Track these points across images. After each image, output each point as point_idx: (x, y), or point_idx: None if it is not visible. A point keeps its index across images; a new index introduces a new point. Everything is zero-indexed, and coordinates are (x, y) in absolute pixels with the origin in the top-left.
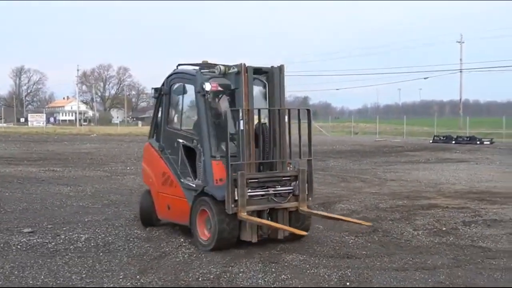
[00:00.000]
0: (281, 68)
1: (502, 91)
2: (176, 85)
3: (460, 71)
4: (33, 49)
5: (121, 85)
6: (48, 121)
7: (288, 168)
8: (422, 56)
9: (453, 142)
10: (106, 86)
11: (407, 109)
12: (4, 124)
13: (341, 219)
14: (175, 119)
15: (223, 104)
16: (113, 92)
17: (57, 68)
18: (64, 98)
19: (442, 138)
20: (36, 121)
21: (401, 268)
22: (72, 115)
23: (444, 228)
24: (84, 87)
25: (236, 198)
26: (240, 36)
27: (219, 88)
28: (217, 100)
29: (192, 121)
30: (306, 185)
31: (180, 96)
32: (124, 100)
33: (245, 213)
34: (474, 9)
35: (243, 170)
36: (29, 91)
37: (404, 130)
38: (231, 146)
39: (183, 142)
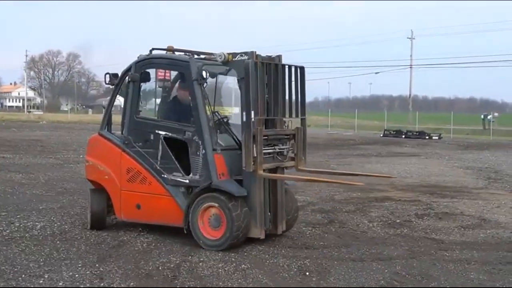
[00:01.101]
0: (279, 58)
1: (449, 87)
2: (150, 71)
3: (410, 67)
4: None
5: (71, 72)
6: None
7: (284, 127)
8: (373, 51)
9: (403, 136)
10: (55, 72)
11: (357, 103)
12: None
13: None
14: (150, 109)
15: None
16: (62, 79)
17: (4, 53)
18: (11, 84)
19: (392, 132)
20: None
21: (358, 258)
22: (19, 101)
23: (398, 220)
24: (32, 73)
25: (255, 155)
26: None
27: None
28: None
29: (176, 111)
30: (302, 144)
31: (157, 84)
32: (73, 87)
33: (262, 171)
34: (424, 6)
35: (259, 126)
36: None
37: (356, 123)
38: (226, 138)
39: (166, 134)
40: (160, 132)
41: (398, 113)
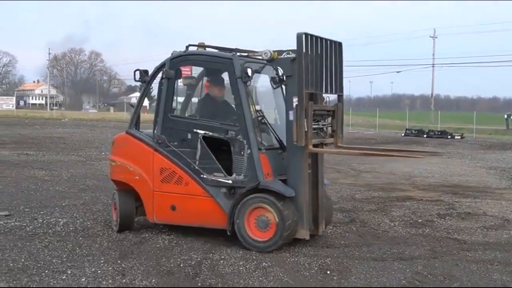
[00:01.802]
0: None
1: (471, 86)
2: (187, 68)
3: (433, 66)
4: (3, 31)
5: (93, 70)
6: (17, 104)
7: (323, 103)
8: (396, 50)
9: (425, 136)
10: (78, 70)
11: (379, 102)
12: None
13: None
14: (188, 107)
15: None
16: (84, 76)
17: (28, 51)
18: (34, 82)
19: (414, 131)
20: (6, 104)
21: (379, 258)
22: (42, 99)
23: (420, 220)
24: (55, 71)
25: (306, 129)
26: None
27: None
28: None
29: (212, 109)
30: (341, 121)
31: (195, 82)
32: (95, 85)
33: (312, 146)
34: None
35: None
36: None
37: (377, 122)
38: (267, 137)
39: (205, 133)
40: (199, 131)
41: (420, 112)
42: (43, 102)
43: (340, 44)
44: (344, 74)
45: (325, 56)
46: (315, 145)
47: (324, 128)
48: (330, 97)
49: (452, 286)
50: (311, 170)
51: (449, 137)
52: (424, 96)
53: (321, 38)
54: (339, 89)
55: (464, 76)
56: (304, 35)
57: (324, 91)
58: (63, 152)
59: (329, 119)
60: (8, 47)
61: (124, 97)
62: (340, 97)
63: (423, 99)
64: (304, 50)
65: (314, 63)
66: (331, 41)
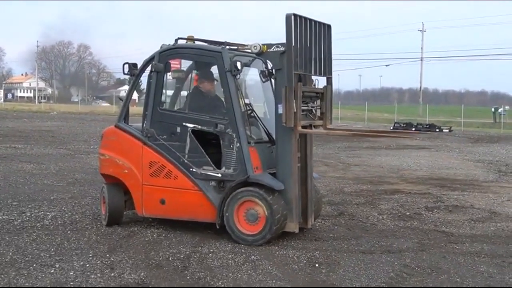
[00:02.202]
0: None
1: (459, 80)
2: (176, 61)
3: (421, 59)
4: None
5: (82, 63)
6: (5, 97)
7: (312, 85)
8: (384, 44)
9: (413, 129)
10: (66, 63)
11: (367, 96)
12: None
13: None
14: (177, 101)
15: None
16: (73, 69)
17: (16, 43)
18: (22, 75)
19: (402, 125)
20: None
21: (367, 251)
22: (30, 92)
23: (408, 213)
24: (43, 64)
25: (295, 110)
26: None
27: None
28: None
29: (202, 103)
30: (330, 103)
31: (184, 75)
32: (84, 78)
33: (300, 127)
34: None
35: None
36: None
37: (366, 116)
38: (257, 131)
39: (194, 126)
40: (188, 125)
41: (409, 105)
42: (31, 95)
43: (329, 26)
44: (333, 68)
45: (314, 38)
46: (303, 127)
47: (313, 110)
48: (319, 80)
49: (439, 278)
50: (300, 164)
51: (438, 130)
52: (412, 90)
53: (310, 20)
54: (328, 72)
55: (452, 69)
56: (293, 16)
57: (313, 73)
58: (51, 146)
59: (318, 101)
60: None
61: (113, 90)
62: (329, 79)
63: (412, 92)
64: (293, 31)
65: (303, 44)
66: (320, 23)
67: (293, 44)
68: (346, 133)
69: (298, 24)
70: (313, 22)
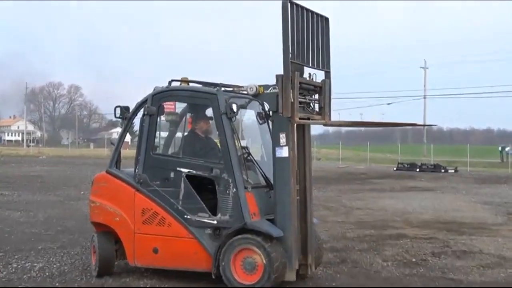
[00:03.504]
0: None
1: (465, 118)
2: (170, 104)
3: (424, 97)
4: None
5: (72, 105)
6: None
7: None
8: (386, 82)
9: (418, 170)
10: (56, 105)
11: (369, 135)
12: None
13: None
14: (170, 144)
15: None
16: (63, 111)
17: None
18: (10, 117)
19: (406, 165)
20: None
21: None
22: (19, 135)
23: (413, 259)
24: (32, 106)
25: (293, 100)
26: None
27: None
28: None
29: (197, 147)
30: (329, 97)
31: (178, 118)
32: (75, 120)
33: (298, 118)
34: (438, 36)
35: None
36: None
37: (368, 156)
38: (254, 175)
39: (189, 171)
40: (182, 170)
41: (412, 145)
42: (20, 138)
43: (327, 19)
44: (334, 107)
45: (311, 28)
46: (301, 119)
47: (311, 104)
48: (316, 74)
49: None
50: (299, 208)
51: (443, 170)
52: (416, 128)
53: (307, 9)
54: (326, 65)
55: (457, 107)
56: (289, 3)
57: (310, 64)
58: (40, 192)
59: (316, 96)
60: None
61: (104, 132)
62: (327, 73)
63: (415, 131)
64: (289, 18)
65: (300, 34)
66: (317, 14)
67: (289, 32)
68: (346, 122)
69: (294, 12)
70: (310, 12)
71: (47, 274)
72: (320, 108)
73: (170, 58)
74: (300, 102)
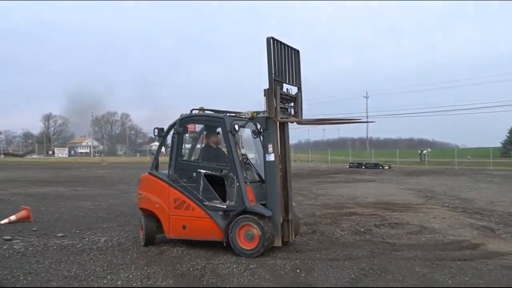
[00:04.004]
0: None
1: (395, 130)
2: (191, 126)
3: (367, 117)
4: (59, 101)
5: (124, 127)
6: (69, 153)
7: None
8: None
9: (363, 167)
10: (113, 127)
11: (330, 144)
12: (36, 156)
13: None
14: (193, 153)
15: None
16: (117, 131)
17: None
18: (81, 136)
19: (355, 164)
20: (61, 153)
21: (334, 258)
22: (87, 149)
23: (362, 229)
24: (96, 128)
25: (275, 105)
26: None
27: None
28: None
29: (211, 154)
30: (301, 105)
31: (197, 135)
32: (126, 137)
33: (280, 118)
34: (375, 75)
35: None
36: (55, 131)
37: (329, 159)
38: (251, 174)
39: (206, 171)
40: (201, 171)
41: (359, 150)
42: (88, 151)
43: (298, 51)
44: (304, 126)
45: (287, 57)
46: (282, 119)
47: (289, 110)
48: (292, 89)
49: (387, 277)
50: (283, 196)
51: (381, 167)
52: (362, 139)
53: (284, 44)
54: (298, 83)
55: (389, 123)
56: (271, 39)
57: (287, 82)
58: (103, 188)
59: (292, 104)
60: (62, 112)
61: (147, 146)
62: (299, 88)
63: (362, 140)
64: (272, 49)
65: (279, 60)
66: (291, 47)
67: (272, 58)
68: (313, 120)
69: (275, 45)
70: (286, 46)
71: (109, 244)
72: (295, 112)
73: (193, 90)
74: (281, 108)
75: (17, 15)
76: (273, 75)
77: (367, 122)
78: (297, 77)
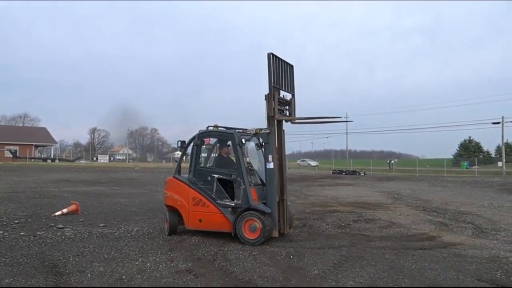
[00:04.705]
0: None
1: (369, 144)
2: (207, 139)
3: (346, 133)
4: (103, 116)
5: (153, 139)
6: (109, 159)
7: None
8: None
9: (344, 173)
10: (144, 139)
11: (318, 154)
12: (84, 161)
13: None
14: (208, 161)
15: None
16: (148, 142)
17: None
18: (119, 146)
19: (337, 171)
20: (103, 159)
21: (320, 247)
22: (123, 156)
23: (343, 224)
24: (131, 139)
25: (274, 107)
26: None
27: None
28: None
29: (223, 162)
30: (294, 108)
31: (212, 147)
32: (154, 148)
33: (277, 117)
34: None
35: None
36: (99, 141)
37: (316, 166)
38: (254, 178)
39: (218, 176)
40: (215, 175)
41: (341, 159)
42: (124, 157)
43: (292, 65)
44: (297, 139)
45: (283, 69)
46: (278, 121)
47: (284, 111)
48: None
49: (363, 263)
50: (280, 197)
51: (358, 174)
52: (343, 150)
53: (281, 59)
54: (292, 90)
55: (365, 138)
56: (271, 55)
57: (283, 89)
58: (135, 187)
59: (287, 107)
60: (103, 126)
61: (171, 154)
62: (293, 95)
63: (342, 152)
64: (271, 63)
65: (276, 71)
66: (286, 62)
67: (271, 70)
68: (303, 118)
69: (274, 59)
70: (282, 60)
71: (140, 233)
72: (289, 113)
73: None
74: (278, 109)
75: (74, 48)
76: (272, 83)
77: (346, 121)
78: (291, 86)
